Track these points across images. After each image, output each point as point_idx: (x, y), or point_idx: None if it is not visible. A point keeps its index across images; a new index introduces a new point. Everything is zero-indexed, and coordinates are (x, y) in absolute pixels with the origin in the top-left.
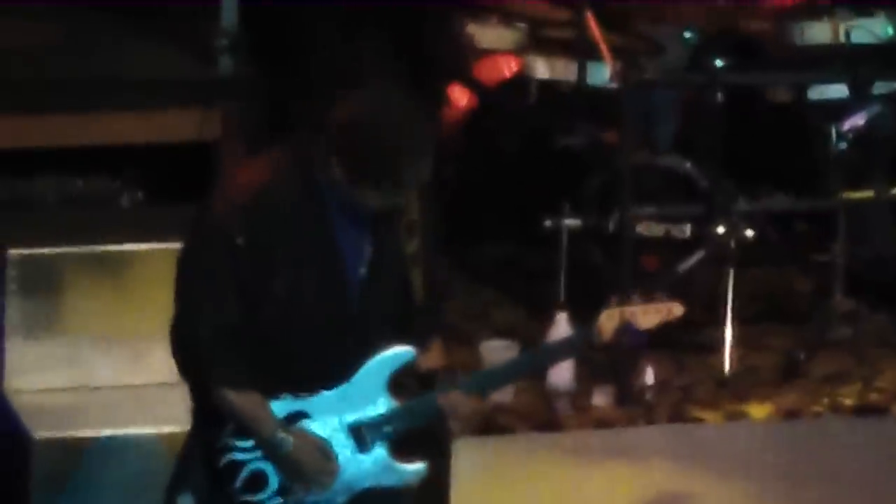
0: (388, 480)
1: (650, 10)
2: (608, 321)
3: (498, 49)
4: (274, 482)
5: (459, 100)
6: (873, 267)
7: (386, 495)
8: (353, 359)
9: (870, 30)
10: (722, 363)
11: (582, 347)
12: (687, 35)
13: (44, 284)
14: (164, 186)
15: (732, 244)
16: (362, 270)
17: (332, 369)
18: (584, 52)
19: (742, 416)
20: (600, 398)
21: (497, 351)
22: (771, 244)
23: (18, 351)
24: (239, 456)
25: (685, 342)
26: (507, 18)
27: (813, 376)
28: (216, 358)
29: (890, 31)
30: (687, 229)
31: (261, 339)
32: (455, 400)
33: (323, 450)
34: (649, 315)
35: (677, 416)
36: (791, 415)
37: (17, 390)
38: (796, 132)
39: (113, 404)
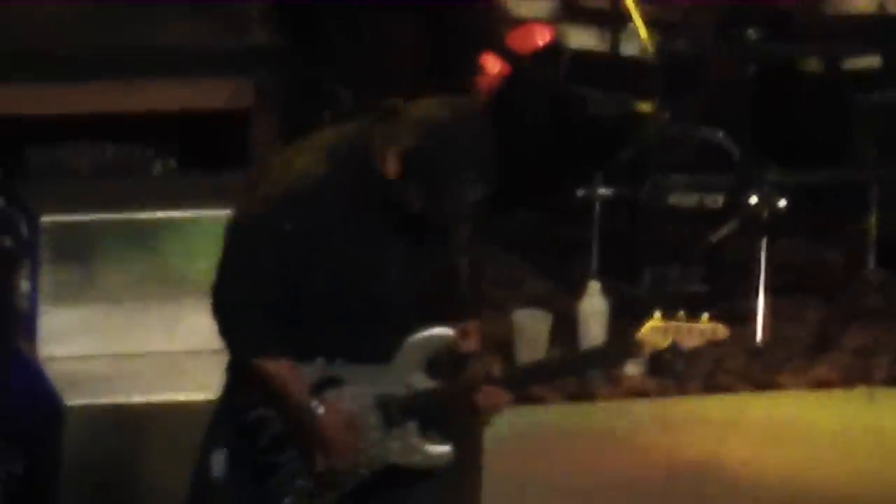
0: (414, 460)
1: None
2: (652, 334)
3: (531, 18)
4: (298, 445)
5: (492, 68)
6: None
7: (412, 474)
8: (391, 343)
9: None
10: (754, 334)
11: (623, 358)
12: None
13: (76, 252)
14: (197, 154)
15: (765, 214)
16: (407, 262)
17: (369, 350)
18: (617, 21)
19: (774, 386)
20: (633, 368)
21: (529, 320)
22: (804, 215)
23: (51, 318)
24: (265, 413)
25: (717, 313)
26: None
27: (845, 347)
28: (250, 327)
29: None
30: (720, 199)
31: (298, 319)
32: (490, 396)
33: (351, 426)
34: (693, 335)
35: (709, 387)
36: (823, 385)
37: (49, 357)
38: (829, 103)
39: (145, 372)
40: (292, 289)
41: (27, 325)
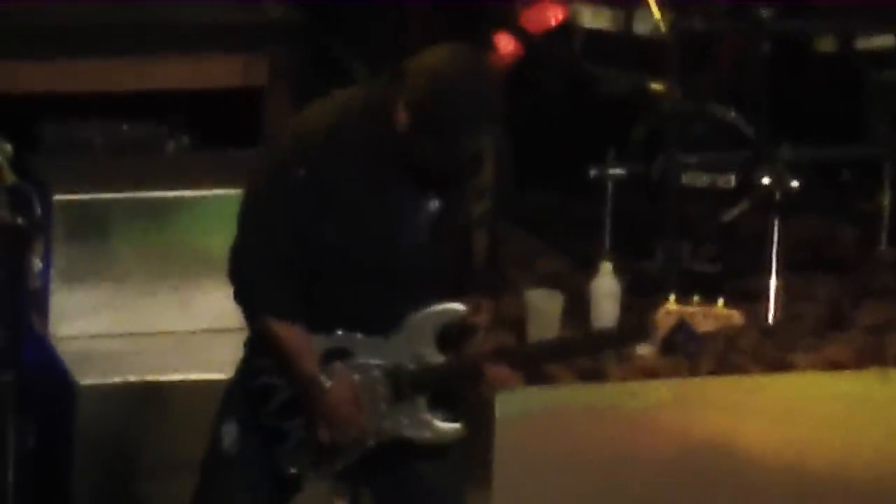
0: (422, 435)
1: None
2: (666, 317)
3: None
4: (305, 414)
5: (505, 47)
6: None
7: (420, 449)
8: (401, 310)
9: None
10: (766, 313)
11: (635, 340)
12: None
13: (89, 230)
14: (210, 132)
15: (778, 193)
16: (421, 225)
17: (380, 316)
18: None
19: (786, 366)
20: (645, 348)
21: (541, 300)
22: (817, 193)
23: (64, 297)
24: (275, 379)
25: (730, 291)
26: None
27: (858, 326)
28: (265, 288)
29: None
30: (732, 178)
31: (311, 276)
32: (499, 374)
33: (358, 398)
34: (708, 320)
35: (721, 366)
36: (836, 365)
37: (62, 336)
38: (843, 81)
39: (158, 351)
40: (304, 242)
41: (40, 303)
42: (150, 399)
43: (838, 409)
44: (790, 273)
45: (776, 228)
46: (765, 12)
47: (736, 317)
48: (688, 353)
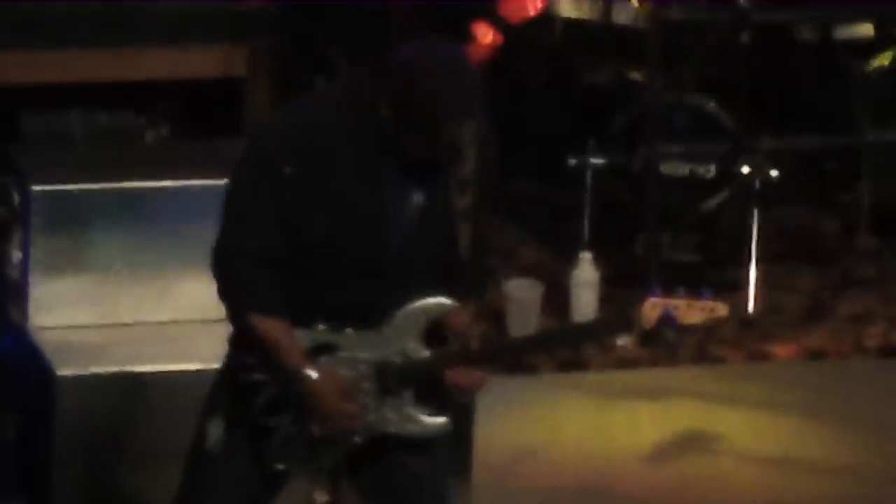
0: (409, 429)
1: None
2: (651, 310)
3: None
4: (292, 410)
5: (485, 37)
6: None
7: (406, 443)
8: (388, 304)
9: None
10: (746, 303)
11: (621, 331)
12: None
13: (68, 221)
14: (191, 122)
15: (757, 183)
16: (407, 218)
17: (366, 310)
18: None
19: (766, 356)
20: (624, 338)
21: (521, 290)
22: (797, 183)
23: (43, 288)
24: (262, 376)
25: (709, 281)
26: None
27: (838, 316)
28: (248, 283)
29: None
30: (712, 168)
31: (296, 271)
32: (463, 375)
33: (346, 392)
34: (693, 311)
35: (701, 356)
36: (815, 355)
37: (41, 327)
38: (823, 70)
39: (137, 341)
40: (291, 236)
41: (19, 293)
42: (131, 390)
43: (818, 398)
44: (770, 263)
45: (756, 218)
46: (745, 2)
47: (721, 308)
48: (668, 344)
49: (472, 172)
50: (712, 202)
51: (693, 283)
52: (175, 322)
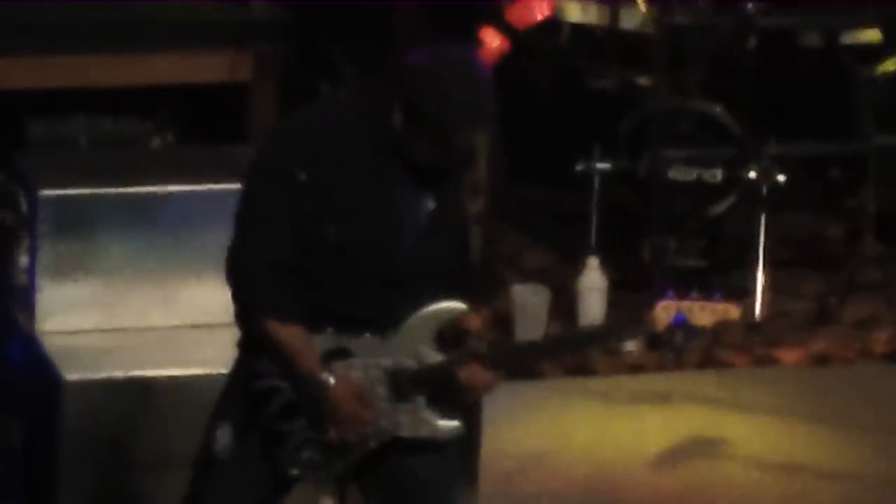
0: (422, 433)
1: None
2: (664, 312)
3: None
4: (306, 415)
5: (491, 43)
6: None
7: (418, 447)
8: (401, 309)
9: None
10: (753, 308)
11: (635, 335)
12: None
13: (75, 226)
14: (195, 128)
15: (764, 189)
16: (419, 224)
17: (379, 316)
18: None
19: (772, 361)
20: (631, 343)
21: (528, 295)
22: (803, 189)
23: (49, 292)
24: (277, 382)
25: (716, 286)
26: None
27: (844, 321)
28: (264, 289)
29: None
30: (718, 173)
31: (309, 277)
32: (473, 374)
33: (361, 398)
34: (706, 313)
35: (708, 361)
36: (822, 360)
37: (47, 332)
38: (829, 76)
39: (144, 346)
40: (304, 242)
41: (25, 299)
42: (137, 394)
43: (824, 403)
44: (777, 268)
45: (762, 223)
46: (751, 7)
47: (733, 310)
48: (675, 348)
49: (483, 178)
50: (719, 207)
51: (700, 288)
52: (182, 327)
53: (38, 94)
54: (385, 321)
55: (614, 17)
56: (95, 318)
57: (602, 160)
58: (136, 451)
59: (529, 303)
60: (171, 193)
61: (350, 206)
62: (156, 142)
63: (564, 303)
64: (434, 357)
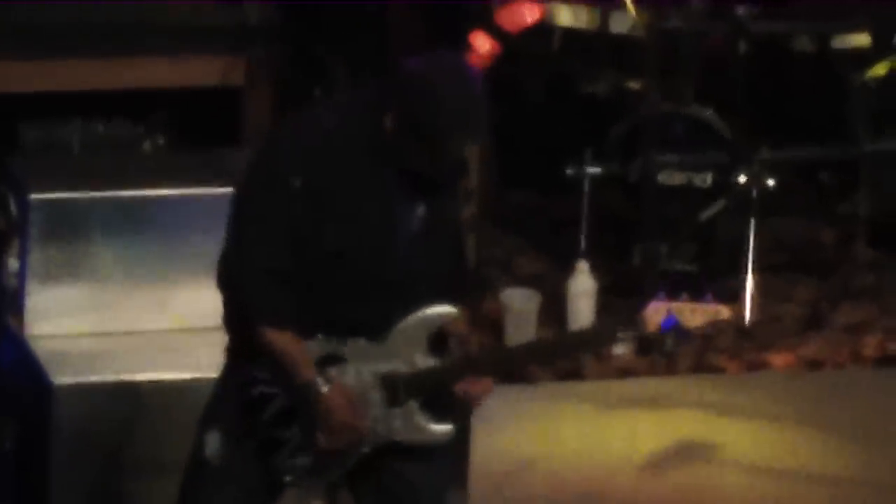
0: (415, 438)
1: None
2: (655, 314)
3: None
4: (300, 422)
5: (482, 46)
6: None
7: (411, 452)
8: (394, 313)
9: None
10: (744, 313)
11: (625, 336)
12: None
13: (65, 229)
14: (188, 132)
15: (754, 193)
16: (413, 229)
17: (373, 321)
18: None
19: (764, 365)
20: (622, 347)
21: (518, 299)
22: (795, 194)
23: (40, 296)
24: (269, 389)
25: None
26: None
27: (835, 326)
28: (259, 295)
29: None
30: (709, 178)
31: (303, 283)
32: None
33: (355, 404)
34: (697, 314)
35: (699, 366)
36: (813, 365)
37: (37, 336)
38: (820, 81)
39: (134, 350)
40: (299, 247)
41: (16, 302)
42: (127, 398)
43: (815, 408)
44: (768, 274)
45: (753, 228)
46: (742, 11)
47: (724, 311)
48: (666, 352)
49: (474, 183)
50: (710, 212)
51: (691, 291)
52: (173, 330)
53: (31, 97)
54: (378, 326)
55: (605, 20)
56: (86, 322)
57: (593, 165)
58: (127, 455)
59: (520, 307)
60: (163, 197)
61: (345, 211)
62: (148, 146)
63: (555, 307)
64: (427, 362)
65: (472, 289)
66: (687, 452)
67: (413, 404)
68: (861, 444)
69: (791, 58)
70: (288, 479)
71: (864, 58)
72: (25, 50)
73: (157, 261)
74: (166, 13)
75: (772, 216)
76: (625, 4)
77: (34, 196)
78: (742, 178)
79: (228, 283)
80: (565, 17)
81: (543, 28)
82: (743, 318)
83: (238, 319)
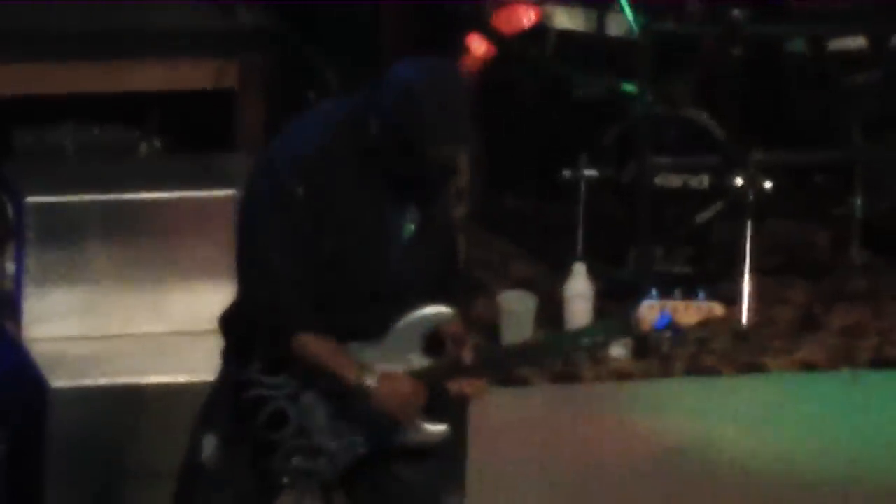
0: (411, 438)
1: None
2: (649, 312)
3: None
4: (294, 422)
5: (477, 49)
6: (891, 219)
7: (406, 453)
8: (390, 319)
9: None
10: (740, 315)
11: (619, 335)
12: None
13: (62, 233)
14: (182, 135)
15: (750, 196)
16: (405, 235)
17: (370, 328)
18: (603, 2)
19: (759, 368)
20: (617, 350)
21: (515, 302)
22: (790, 196)
23: (35, 299)
24: (264, 392)
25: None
26: None
27: (830, 329)
28: (293, 307)
29: None
30: (705, 180)
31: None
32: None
33: (403, 380)
34: (690, 312)
35: (694, 369)
36: (808, 367)
37: (33, 339)
38: (815, 84)
39: (130, 353)
40: (301, 258)
41: (12, 306)
42: (123, 401)
43: (811, 410)
44: (763, 276)
45: (749, 230)
46: (737, 14)
47: (718, 308)
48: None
49: (466, 185)
50: (705, 214)
51: (685, 292)
52: (168, 333)
53: (25, 101)
54: (375, 332)
55: (601, 23)
56: (82, 325)
57: (588, 168)
58: (122, 458)
59: (516, 310)
60: (158, 200)
61: (342, 219)
62: (143, 149)
63: (551, 311)
64: (422, 362)
65: (465, 292)
66: (682, 455)
67: None
68: (856, 446)
69: (786, 60)
70: (284, 481)
71: (859, 60)
72: (19, 54)
73: (152, 264)
74: (160, 17)
75: (767, 219)
76: (621, 7)
77: (30, 199)
78: (738, 181)
79: (257, 301)
80: (562, 19)
81: (539, 31)
82: (740, 320)
83: (270, 334)
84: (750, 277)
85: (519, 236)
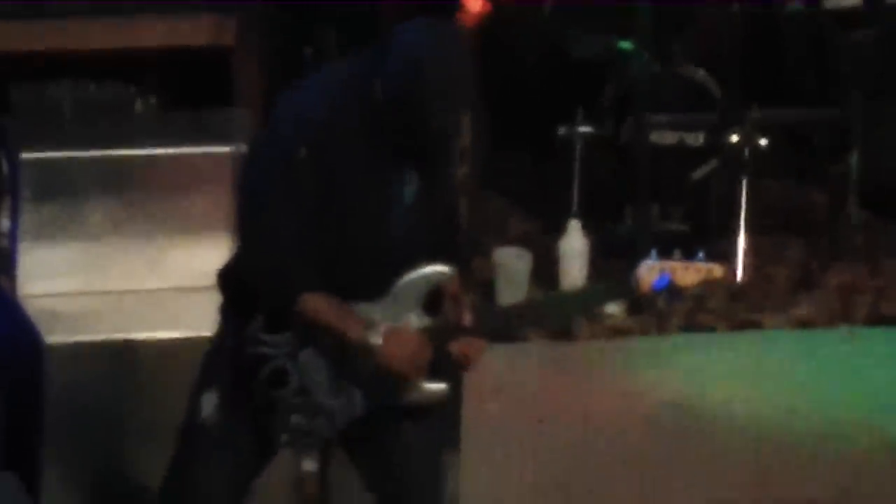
0: (411, 397)
1: None
2: (648, 273)
3: None
4: (294, 380)
5: (474, 6)
6: (888, 177)
7: (404, 411)
8: (391, 279)
9: None
10: (735, 273)
11: (619, 297)
12: None
13: (58, 189)
14: (179, 92)
15: (746, 153)
16: (409, 195)
17: (370, 287)
18: None
19: (755, 325)
20: (613, 307)
21: (510, 259)
22: (787, 155)
23: (32, 255)
24: (265, 350)
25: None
26: None
27: (826, 287)
28: (298, 267)
29: None
30: (701, 138)
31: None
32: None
33: (407, 334)
34: (690, 273)
35: (690, 326)
36: (804, 325)
37: (30, 295)
38: (812, 42)
39: (126, 309)
40: (306, 219)
41: (8, 262)
42: (120, 357)
43: (807, 367)
44: (760, 235)
45: (744, 188)
46: None
47: (717, 269)
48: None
49: (468, 145)
50: (702, 172)
51: (683, 251)
52: (166, 289)
53: (21, 59)
54: (374, 293)
55: None
56: (79, 282)
57: (584, 125)
58: (120, 415)
59: (511, 266)
60: (155, 157)
61: (344, 181)
62: (140, 105)
63: (547, 268)
64: (422, 321)
65: (469, 256)
66: (678, 411)
67: None
68: (852, 403)
69: (782, 18)
70: (284, 438)
71: (856, 18)
72: (15, 11)
73: (149, 220)
74: None
75: (763, 177)
76: None
77: (26, 155)
78: (734, 138)
79: (262, 263)
80: None
81: None
82: (735, 278)
83: (274, 294)
84: (746, 236)
85: (515, 194)
